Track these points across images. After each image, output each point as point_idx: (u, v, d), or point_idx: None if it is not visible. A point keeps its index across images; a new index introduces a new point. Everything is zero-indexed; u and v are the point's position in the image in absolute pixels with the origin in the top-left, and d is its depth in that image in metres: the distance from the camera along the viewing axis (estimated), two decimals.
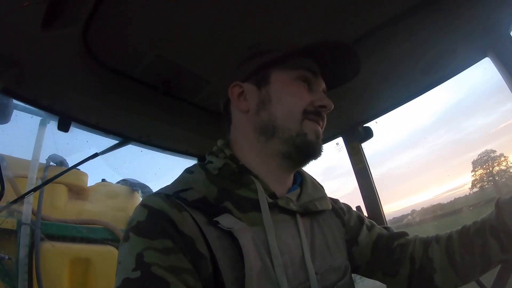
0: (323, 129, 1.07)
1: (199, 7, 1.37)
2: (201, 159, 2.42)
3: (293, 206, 0.98)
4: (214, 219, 0.83)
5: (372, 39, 1.65)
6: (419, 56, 1.75)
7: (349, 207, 1.31)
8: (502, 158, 54.05)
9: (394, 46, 1.66)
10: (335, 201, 1.27)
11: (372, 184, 2.31)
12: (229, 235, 0.82)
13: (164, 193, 0.88)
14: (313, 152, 1.02)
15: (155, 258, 0.72)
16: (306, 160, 1.05)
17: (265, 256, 0.84)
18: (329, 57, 1.06)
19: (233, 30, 1.51)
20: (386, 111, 2.29)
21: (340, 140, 2.48)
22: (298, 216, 1.00)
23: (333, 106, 1.03)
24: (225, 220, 0.84)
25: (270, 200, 0.94)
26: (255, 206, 0.91)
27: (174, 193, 0.88)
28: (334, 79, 1.15)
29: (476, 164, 57.27)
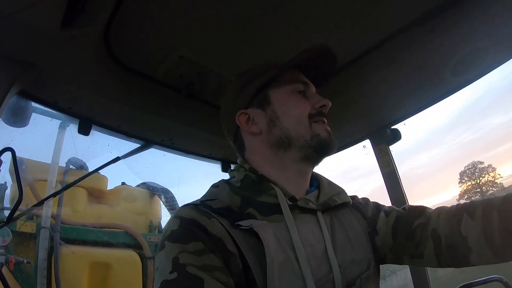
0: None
1: (221, 7, 1.34)
2: (225, 163, 2.41)
3: (312, 205, 1.03)
4: (237, 222, 0.90)
5: (400, 39, 1.59)
6: (449, 56, 1.66)
7: (367, 200, 1.31)
8: (490, 169, 53.83)
9: (422, 46, 1.59)
10: (353, 197, 1.28)
11: (401, 188, 2.22)
12: (253, 235, 0.88)
13: (192, 204, 0.97)
14: (329, 148, 1.08)
15: (189, 259, 0.80)
16: (322, 157, 1.11)
17: (288, 249, 0.89)
18: (312, 63, 1.16)
19: (254, 29, 1.48)
20: (414, 113, 2.20)
21: (367, 142, 2.42)
22: (318, 213, 1.05)
23: (330, 103, 1.11)
24: (247, 222, 0.90)
25: (290, 203, 1.00)
26: (277, 209, 0.97)
27: (201, 202, 0.97)
28: (319, 78, 1.23)
29: (463, 175, 57.07)
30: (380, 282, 1.17)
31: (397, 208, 1.24)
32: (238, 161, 1.15)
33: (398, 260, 1.17)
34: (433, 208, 1.17)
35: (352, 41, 1.61)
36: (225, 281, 0.79)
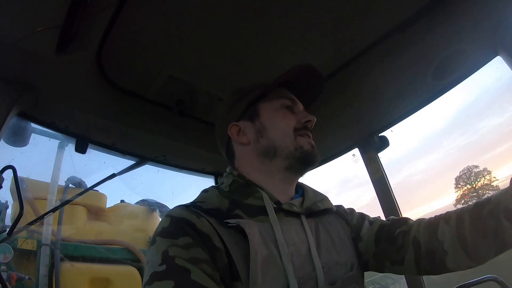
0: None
1: (207, 28, 1.41)
2: (217, 177, 2.45)
3: (296, 209, 1.08)
4: (225, 220, 0.95)
5: (380, 47, 1.64)
6: (429, 60, 1.71)
7: (352, 209, 1.36)
8: (485, 173, 53.14)
9: (403, 52, 1.65)
10: (338, 206, 1.33)
11: (390, 193, 2.25)
12: (239, 232, 0.93)
13: (184, 205, 1.02)
14: (312, 160, 1.15)
15: (178, 252, 0.83)
16: (305, 169, 1.18)
17: (271, 246, 0.94)
18: (299, 82, 1.24)
19: (241, 48, 1.54)
20: (401, 119, 2.24)
21: (356, 151, 2.45)
22: (302, 217, 1.09)
23: (315, 119, 1.19)
24: (234, 220, 0.95)
25: (275, 206, 1.05)
26: (262, 211, 1.02)
27: (192, 203, 1.04)
28: (308, 98, 1.31)
29: (459, 180, 56.24)
30: None
31: (381, 219, 1.30)
32: (228, 169, 1.20)
33: (379, 267, 1.21)
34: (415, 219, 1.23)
35: (334, 52, 1.67)
36: (211, 273, 0.83)
